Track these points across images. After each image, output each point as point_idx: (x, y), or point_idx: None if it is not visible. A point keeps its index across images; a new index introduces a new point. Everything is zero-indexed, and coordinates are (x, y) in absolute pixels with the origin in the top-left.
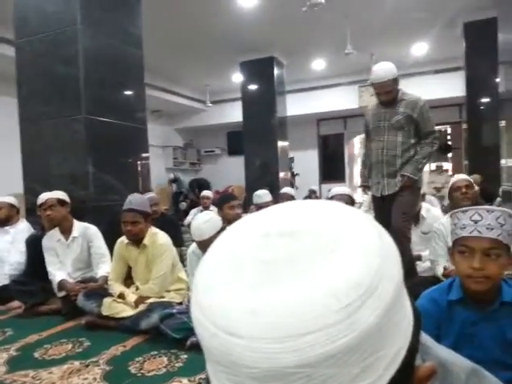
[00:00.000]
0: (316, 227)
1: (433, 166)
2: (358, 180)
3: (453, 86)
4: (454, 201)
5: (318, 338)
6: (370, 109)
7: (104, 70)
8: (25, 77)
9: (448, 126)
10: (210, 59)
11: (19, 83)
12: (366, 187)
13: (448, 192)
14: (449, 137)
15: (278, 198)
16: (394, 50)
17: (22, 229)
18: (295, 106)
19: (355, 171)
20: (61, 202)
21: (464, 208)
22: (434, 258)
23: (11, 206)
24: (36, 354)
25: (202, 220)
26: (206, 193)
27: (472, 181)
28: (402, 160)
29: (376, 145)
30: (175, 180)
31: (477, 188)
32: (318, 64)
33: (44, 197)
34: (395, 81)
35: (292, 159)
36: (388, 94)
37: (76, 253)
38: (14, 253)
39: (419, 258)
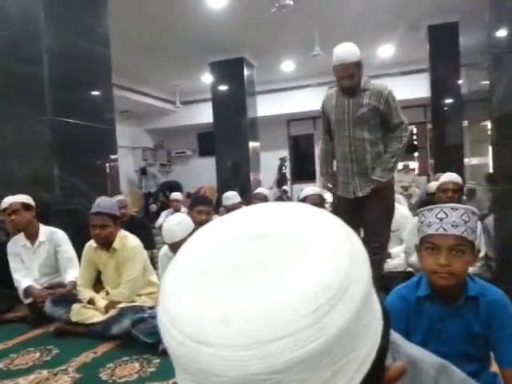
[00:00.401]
0: (285, 230)
1: (400, 165)
2: (321, 180)
3: (418, 88)
4: (439, 201)
5: (287, 343)
6: (329, 98)
7: (70, 70)
8: None
9: (414, 126)
10: (179, 60)
11: None
12: (332, 186)
13: (436, 188)
14: (415, 137)
15: (250, 198)
16: (361, 52)
17: None
18: (266, 106)
19: None
20: (26, 207)
21: (430, 206)
22: (407, 250)
23: None
24: (0, 365)
25: (174, 222)
26: (175, 195)
27: (460, 182)
28: (371, 155)
29: (341, 141)
30: (144, 171)
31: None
32: (288, 65)
33: (8, 201)
34: (358, 65)
35: (284, 159)
36: (351, 78)
37: (42, 258)
38: None
39: (388, 255)
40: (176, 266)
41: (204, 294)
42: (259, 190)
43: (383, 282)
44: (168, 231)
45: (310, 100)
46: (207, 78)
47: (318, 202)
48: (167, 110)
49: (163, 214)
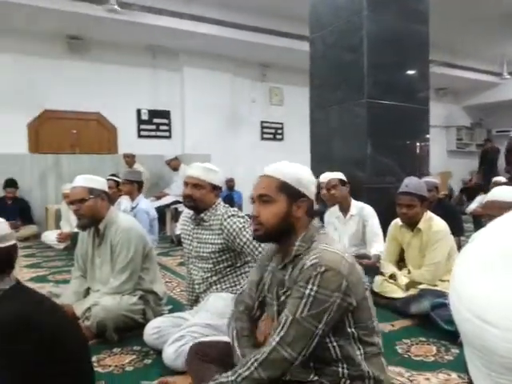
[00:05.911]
0: None
1: None
2: None
3: None
4: None
5: None
6: None
7: (386, 53)
8: (316, 68)
9: None
10: (507, 26)
11: (311, 74)
12: None
13: None
14: None
15: None
16: None
17: None
18: None
19: None
20: (342, 182)
21: None
22: None
23: None
24: None
25: None
26: (498, 178)
27: None
28: None
29: None
30: None
31: None
32: None
33: (326, 176)
34: None
35: None
36: None
37: (352, 230)
38: None
39: None
40: (470, 251)
41: (495, 279)
42: None
43: None
44: None
45: None
46: None
47: None
48: (490, 83)
49: (477, 199)
